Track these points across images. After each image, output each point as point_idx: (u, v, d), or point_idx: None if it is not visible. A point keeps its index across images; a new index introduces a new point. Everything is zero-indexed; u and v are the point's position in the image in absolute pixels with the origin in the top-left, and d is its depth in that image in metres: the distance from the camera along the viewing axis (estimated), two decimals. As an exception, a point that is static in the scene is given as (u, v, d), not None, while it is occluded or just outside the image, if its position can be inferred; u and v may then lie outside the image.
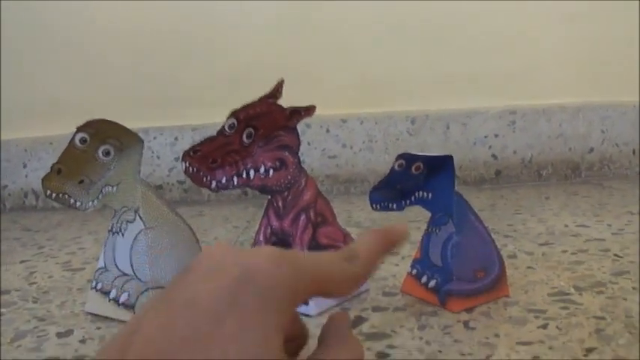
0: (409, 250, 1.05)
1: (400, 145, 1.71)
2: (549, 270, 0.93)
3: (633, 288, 0.84)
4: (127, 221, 0.81)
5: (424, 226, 0.85)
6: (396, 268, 0.97)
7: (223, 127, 0.77)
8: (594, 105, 1.78)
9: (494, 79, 1.76)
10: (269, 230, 0.84)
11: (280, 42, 1.71)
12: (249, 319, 0.32)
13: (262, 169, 0.78)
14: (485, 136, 1.73)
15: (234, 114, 0.77)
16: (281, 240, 0.83)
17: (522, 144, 1.75)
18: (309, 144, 1.68)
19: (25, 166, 1.77)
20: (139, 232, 0.80)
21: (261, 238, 0.85)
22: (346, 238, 0.86)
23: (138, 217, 0.80)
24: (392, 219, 1.28)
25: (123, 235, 0.81)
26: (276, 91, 0.79)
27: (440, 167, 0.79)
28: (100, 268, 0.84)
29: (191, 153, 0.75)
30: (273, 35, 1.71)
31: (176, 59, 1.72)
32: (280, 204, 0.83)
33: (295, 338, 0.41)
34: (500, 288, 0.82)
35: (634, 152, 1.79)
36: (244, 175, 0.77)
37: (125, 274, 0.82)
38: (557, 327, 0.72)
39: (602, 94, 1.80)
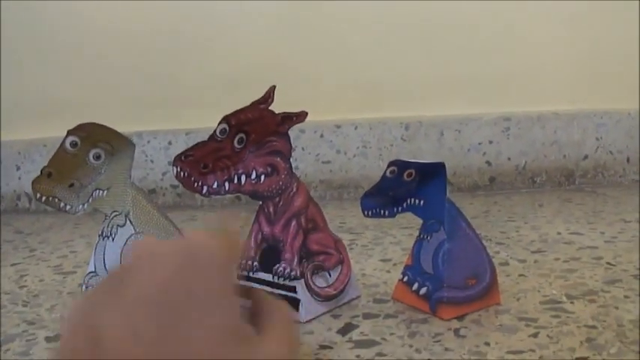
0: (401, 257, 1.05)
1: (394, 151, 1.70)
2: (541, 278, 0.93)
3: (625, 297, 0.84)
4: (118, 225, 0.81)
5: (416, 233, 0.85)
6: (388, 275, 0.97)
7: (215, 132, 0.77)
8: (589, 112, 1.78)
9: (489, 86, 1.76)
10: (260, 236, 0.84)
11: (275, 47, 1.71)
12: (207, 303, 0.32)
13: (253, 175, 0.78)
14: (480, 143, 1.73)
15: (226, 119, 0.77)
16: (272, 246, 0.83)
17: (516, 151, 1.75)
18: (303, 149, 1.68)
19: (18, 168, 1.76)
20: (129, 237, 0.80)
21: (252, 244, 0.85)
22: (337, 244, 0.86)
23: (128, 222, 0.80)
24: (385, 225, 1.29)
25: (113, 239, 0.81)
26: (268, 96, 0.78)
27: (432, 174, 0.79)
28: (90, 272, 0.84)
29: (182, 157, 0.75)
30: (268, 41, 1.71)
31: (171, 62, 1.72)
32: (271, 210, 0.83)
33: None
34: (492, 296, 0.82)
35: (628, 160, 1.79)
36: (235, 181, 0.77)
37: (115, 279, 0.81)
38: (548, 335, 0.71)
39: (596, 101, 1.80)
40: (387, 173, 0.80)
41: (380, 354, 0.69)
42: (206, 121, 1.61)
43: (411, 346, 0.70)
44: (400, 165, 0.80)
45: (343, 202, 1.65)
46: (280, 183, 0.80)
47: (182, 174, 0.75)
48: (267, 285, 0.83)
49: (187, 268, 0.33)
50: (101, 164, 0.80)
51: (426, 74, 1.73)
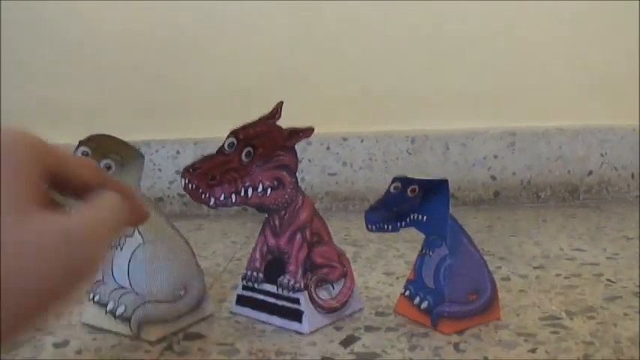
0: (404, 270, 1.07)
1: (400, 164, 1.72)
2: (542, 294, 0.94)
3: (624, 314, 0.85)
4: (126, 235, 0.82)
5: (419, 247, 0.86)
6: (391, 288, 0.98)
7: (223, 145, 0.78)
8: (594, 128, 1.79)
9: (495, 101, 1.77)
10: (265, 248, 0.86)
11: (283, 59, 1.72)
12: None
13: (260, 188, 0.79)
14: (485, 157, 1.75)
15: (234, 133, 0.78)
16: (277, 258, 0.85)
17: (521, 165, 1.76)
18: (309, 161, 1.69)
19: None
20: (137, 247, 0.81)
21: (257, 255, 0.86)
22: (341, 257, 0.87)
23: (136, 232, 0.81)
24: (389, 238, 1.30)
25: (121, 248, 0.82)
26: (276, 112, 0.80)
27: (435, 191, 0.80)
28: (97, 281, 0.86)
29: (190, 170, 0.76)
30: (276, 53, 1.73)
31: (180, 72, 1.73)
32: (277, 222, 0.84)
33: (69, 179, 0.41)
34: (492, 311, 0.83)
35: (632, 176, 1.80)
36: (242, 193, 0.78)
37: (122, 287, 0.83)
38: (546, 351, 0.73)
39: (601, 117, 1.81)
40: (391, 189, 0.82)
41: (381, 366, 0.70)
42: (214, 131, 1.63)
43: (411, 359, 0.72)
44: (404, 181, 0.81)
45: (348, 213, 1.67)
46: (286, 196, 0.82)
47: (190, 186, 0.76)
48: (271, 296, 0.84)
49: None
50: (111, 174, 0.81)
51: (432, 88, 1.74)
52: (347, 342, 0.78)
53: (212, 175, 0.76)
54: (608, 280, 1.01)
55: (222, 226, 1.52)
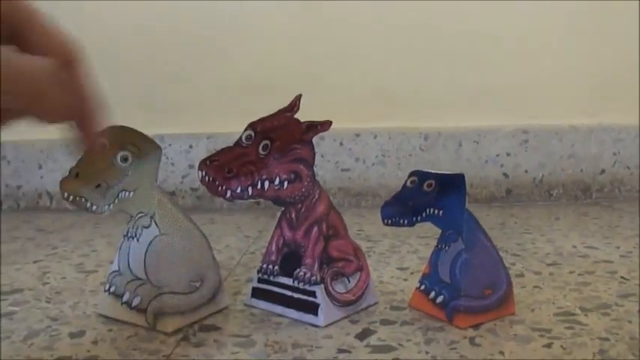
0: (418, 265, 1.07)
1: (412, 161, 1.72)
2: (556, 290, 0.94)
3: (639, 311, 0.85)
4: (143, 227, 0.82)
5: (434, 242, 0.86)
6: (405, 283, 0.98)
7: (240, 138, 0.79)
8: (606, 126, 1.79)
9: (508, 98, 1.77)
10: (282, 241, 0.86)
11: (295, 54, 1.73)
12: None
13: (277, 181, 0.79)
14: (497, 155, 1.75)
15: (252, 126, 0.78)
16: (293, 251, 0.85)
17: (534, 163, 1.76)
18: (322, 156, 1.70)
19: (40, 167, 1.79)
20: (154, 238, 0.81)
21: (273, 248, 0.87)
22: (356, 251, 0.88)
23: (153, 223, 0.82)
24: (402, 234, 1.30)
25: (138, 240, 0.83)
26: (294, 105, 0.80)
27: (451, 185, 0.80)
28: (113, 272, 0.86)
29: (207, 162, 0.76)
30: (288, 47, 1.73)
31: (193, 67, 1.74)
32: (293, 216, 0.84)
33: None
34: (507, 306, 0.83)
35: (645, 175, 1.80)
36: (259, 186, 0.78)
37: (138, 279, 0.83)
38: (561, 346, 0.73)
39: (614, 116, 1.81)
40: (408, 183, 0.82)
41: (396, 359, 0.70)
42: (227, 126, 1.64)
43: (427, 352, 0.72)
44: (420, 175, 0.81)
45: (361, 209, 1.67)
46: (303, 190, 0.82)
47: (207, 178, 0.76)
48: (288, 289, 0.84)
49: None
50: (128, 166, 0.81)
51: (445, 85, 1.74)
52: (363, 335, 0.78)
53: (229, 168, 0.76)
54: (622, 277, 1.01)
55: (235, 220, 1.53)
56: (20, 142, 1.79)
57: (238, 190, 0.77)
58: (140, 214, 0.83)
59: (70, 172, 0.79)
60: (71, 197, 0.79)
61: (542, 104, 1.79)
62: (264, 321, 0.84)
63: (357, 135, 1.72)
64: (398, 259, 1.13)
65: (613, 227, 1.41)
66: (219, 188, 0.77)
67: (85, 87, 0.42)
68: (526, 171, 1.76)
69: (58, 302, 0.94)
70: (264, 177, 0.79)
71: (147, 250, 0.82)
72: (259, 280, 0.89)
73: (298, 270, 0.83)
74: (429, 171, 0.81)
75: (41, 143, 1.78)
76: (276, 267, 0.86)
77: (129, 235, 0.84)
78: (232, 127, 1.52)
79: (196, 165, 0.77)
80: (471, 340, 0.75)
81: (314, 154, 0.83)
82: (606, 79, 1.79)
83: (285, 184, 0.80)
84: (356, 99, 1.73)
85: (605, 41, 1.77)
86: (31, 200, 1.80)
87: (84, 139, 0.44)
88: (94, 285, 1.02)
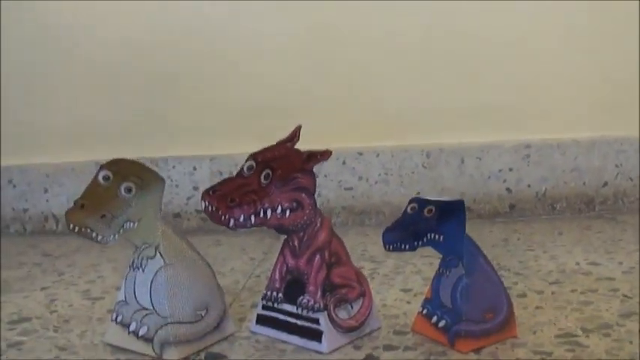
0: (421, 287, 1.08)
1: (415, 178, 1.73)
2: (558, 310, 0.95)
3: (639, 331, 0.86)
4: (148, 257, 0.84)
5: (436, 262, 0.87)
6: (408, 306, 0.99)
7: (242, 168, 0.80)
8: (609, 139, 1.80)
9: (509, 114, 1.78)
10: (285, 268, 0.87)
11: (298, 76, 1.74)
12: None
13: (279, 209, 0.80)
14: (500, 170, 1.75)
15: (253, 156, 0.80)
16: (296, 278, 0.86)
17: (537, 178, 1.77)
18: (325, 176, 1.71)
19: (46, 191, 1.80)
20: (159, 269, 0.82)
21: (277, 275, 0.88)
22: (359, 277, 0.89)
23: (158, 254, 0.83)
24: (405, 254, 1.30)
25: (143, 270, 0.84)
26: (294, 135, 0.82)
27: (451, 211, 0.81)
28: (120, 301, 0.87)
29: (210, 192, 0.77)
30: (291, 68, 1.74)
31: (196, 91, 1.75)
32: (296, 243, 0.85)
33: None
34: (509, 329, 0.84)
35: (647, 187, 1.80)
36: (261, 215, 0.79)
37: (145, 308, 0.84)
38: (562, 370, 0.73)
39: (616, 128, 1.81)
40: (408, 209, 0.83)
41: (400, 386, 0.71)
42: (230, 148, 1.66)
43: (429, 378, 0.73)
44: (420, 202, 0.82)
45: (365, 228, 1.68)
46: (305, 218, 0.83)
47: (210, 208, 0.77)
48: (291, 316, 0.85)
49: None
50: (132, 197, 0.82)
51: (447, 102, 1.75)
52: (366, 361, 0.79)
53: (232, 197, 0.77)
54: (624, 295, 1.02)
55: (240, 242, 1.54)
56: (26, 166, 1.80)
57: (241, 219, 0.78)
58: (145, 245, 0.84)
59: (75, 204, 0.80)
60: (77, 228, 0.80)
61: (544, 118, 1.80)
62: (269, 348, 0.85)
63: (360, 154, 1.73)
64: (402, 281, 1.14)
65: (616, 241, 1.41)
66: (223, 217, 0.77)
67: None
68: (529, 185, 1.77)
69: (66, 331, 0.95)
70: (266, 206, 0.79)
71: (152, 281, 0.83)
72: (264, 307, 0.90)
73: (302, 297, 0.84)
74: (429, 198, 0.82)
75: (47, 167, 1.80)
76: (280, 294, 0.87)
77: (134, 265, 0.85)
78: (235, 149, 1.54)
79: (200, 187, 0.78)
80: (473, 365, 0.76)
81: (315, 182, 0.84)
82: (607, 91, 1.79)
83: (288, 212, 0.81)
84: (358, 118, 1.74)
85: (606, 54, 1.78)
86: (37, 224, 1.81)
87: None
88: (100, 312, 1.03)
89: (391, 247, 0.85)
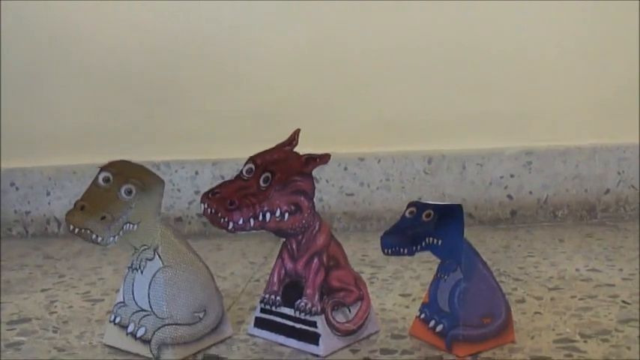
0: (420, 292, 1.08)
1: (416, 184, 1.73)
2: (556, 316, 0.95)
3: (639, 337, 0.85)
4: (147, 259, 0.84)
5: (435, 267, 0.87)
6: (406, 311, 0.99)
7: (241, 171, 0.80)
8: (610, 146, 1.79)
9: (511, 120, 1.78)
10: (283, 271, 0.87)
11: (300, 81, 1.74)
12: None
13: (278, 213, 0.81)
14: (501, 177, 1.75)
15: (252, 159, 0.80)
16: (294, 281, 0.86)
17: (538, 184, 1.77)
18: (327, 181, 1.71)
19: (48, 193, 1.80)
20: (158, 271, 0.83)
21: (275, 279, 0.88)
22: (357, 280, 0.89)
23: (157, 256, 0.83)
24: (404, 259, 1.31)
25: (142, 272, 0.84)
26: (293, 139, 0.82)
27: (450, 215, 0.81)
28: (119, 303, 0.87)
29: (210, 195, 0.78)
30: (293, 74, 1.74)
31: (198, 95, 1.75)
32: (294, 247, 0.86)
33: None
34: (506, 334, 0.84)
35: (650, 194, 1.80)
36: (260, 218, 0.80)
37: (143, 310, 0.84)
38: (559, 375, 0.73)
39: (618, 135, 1.81)
40: (407, 214, 0.83)
41: (396, 390, 0.71)
42: (232, 153, 1.66)
43: (426, 382, 0.73)
44: (419, 206, 0.82)
45: (366, 234, 1.68)
46: (303, 221, 0.83)
47: (209, 210, 0.78)
48: (289, 319, 0.86)
49: None
50: (132, 199, 0.83)
51: (448, 109, 1.75)
52: (363, 365, 0.79)
53: (231, 200, 0.77)
54: (624, 301, 1.02)
55: (241, 246, 1.54)
56: (29, 169, 1.81)
57: (240, 222, 0.78)
58: (144, 247, 0.84)
59: (75, 205, 0.81)
60: (77, 229, 0.80)
61: (546, 125, 1.80)
62: (266, 351, 0.85)
63: (361, 159, 1.73)
64: (400, 285, 1.14)
65: (617, 248, 1.41)
66: (222, 220, 0.78)
67: None
68: (530, 192, 1.77)
69: (65, 332, 0.95)
70: (265, 209, 0.80)
71: (151, 283, 0.83)
72: (262, 310, 0.90)
73: (299, 300, 0.84)
74: (427, 202, 0.82)
75: (49, 170, 1.80)
76: (278, 297, 0.87)
77: (133, 267, 0.86)
78: (237, 154, 1.54)
79: (202, 191, 0.79)
80: (470, 369, 0.76)
81: (314, 186, 0.84)
82: (609, 98, 1.79)
83: (286, 215, 0.81)
84: (359, 124, 1.75)
85: (608, 61, 1.78)
86: (39, 226, 1.82)
87: None
88: (100, 314, 1.04)
89: (389, 251, 0.85)
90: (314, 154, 0.82)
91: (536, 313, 0.97)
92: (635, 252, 1.37)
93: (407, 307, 1.02)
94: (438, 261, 0.87)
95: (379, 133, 1.76)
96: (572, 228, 1.69)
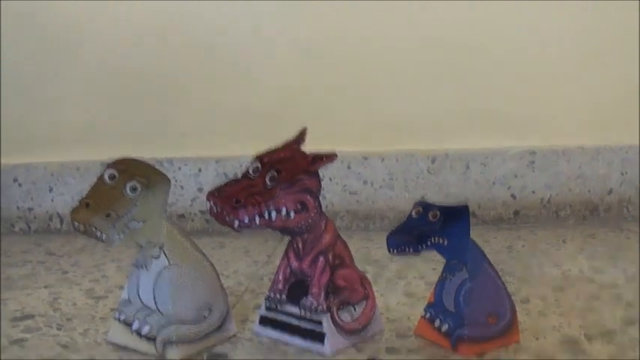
0: (424, 291, 1.08)
1: (420, 183, 1.73)
2: (561, 316, 0.95)
3: (643, 338, 0.86)
4: (152, 257, 0.84)
5: (440, 267, 0.87)
6: (411, 310, 0.99)
7: (247, 170, 0.80)
8: (614, 146, 1.79)
9: (515, 120, 1.77)
10: (289, 270, 0.87)
11: (303, 79, 1.74)
12: None
13: (284, 211, 0.80)
14: (505, 176, 1.75)
15: (259, 158, 0.80)
16: (300, 280, 0.86)
17: (541, 184, 1.76)
18: (330, 180, 1.71)
19: (51, 189, 1.80)
20: (163, 268, 0.83)
21: (281, 277, 0.88)
22: (363, 280, 0.89)
23: (162, 254, 0.83)
24: (408, 258, 1.30)
25: (147, 269, 0.84)
26: (300, 137, 0.82)
27: (456, 216, 0.81)
28: (124, 300, 0.87)
29: (215, 193, 0.78)
30: (297, 72, 1.74)
31: (202, 92, 1.75)
32: (300, 245, 0.86)
33: None
34: (512, 334, 0.84)
35: (653, 195, 1.80)
36: (266, 216, 0.79)
37: (148, 307, 0.84)
38: (565, 376, 0.73)
39: (621, 135, 1.81)
40: (413, 213, 0.83)
41: (402, 389, 0.71)
42: (235, 150, 1.65)
43: (432, 382, 0.73)
44: (425, 206, 0.82)
45: (369, 232, 1.67)
46: (309, 220, 0.83)
47: (215, 209, 0.77)
48: (294, 318, 0.86)
49: None
50: (137, 196, 0.82)
51: (452, 108, 1.75)
52: (368, 364, 0.79)
53: (237, 199, 0.77)
54: (628, 302, 1.02)
55: (244, 244, 1.53)
56: (31, 165, 1.80)
57: (246, 220, 0.78)
58: (149, 244, 0.84)
59: (80, 202, 0.81)
60: (82, 227, 0.80)
61: (549, 125, 1.79)
62: (271, 349, 0.85)
63: (365, 158, 1.73)
64: (405, 285, 1.14)
65: (620, 249, 1.41)
66: (227, 218, 0.78)
67: None
68: (533, 192, 1.76)
69: (69, 329, 0.95)
70: (271, 207, 0.80)
71: (156, 280, 0.83)
72: (267, 309, 0.90)
73: (305, 299, 0.84)
74: (434, 202, 0.82)
75: (52, 166, 1.80)
76: (284, 296, 0.87)
77: (138, 264, 0.86)
78: (241, 151, 1.54)
79: (205, 188, 0.79)
80: (476, 369, 0.76)
81: (320, 184, 0.84)
82: (612, 99, 1.79)
83: (292, 214, 0.81)
84: (363, 122, 1.74)
85: (611, 61, 1.77)
86: (42, 223, 1.81)
87: None
88: (104, 311, 1.04)
89: (395, 250, 0.85)
90: (321, 153, 0.82)
91: (540, 313, 0.97)
92: (638, 253, 1.37)
93: (411, 306, 1.01)
94: (443, 261, 0.87)
95: (383, 132, 1.76)
96: (575, 228, 1.69)
